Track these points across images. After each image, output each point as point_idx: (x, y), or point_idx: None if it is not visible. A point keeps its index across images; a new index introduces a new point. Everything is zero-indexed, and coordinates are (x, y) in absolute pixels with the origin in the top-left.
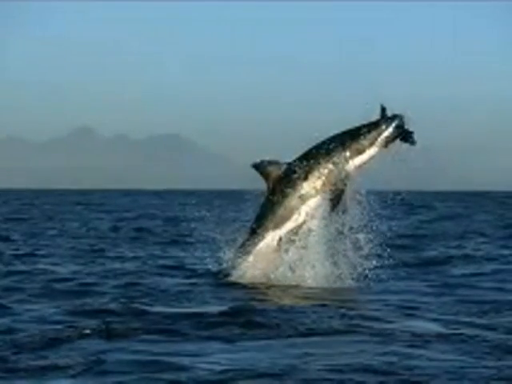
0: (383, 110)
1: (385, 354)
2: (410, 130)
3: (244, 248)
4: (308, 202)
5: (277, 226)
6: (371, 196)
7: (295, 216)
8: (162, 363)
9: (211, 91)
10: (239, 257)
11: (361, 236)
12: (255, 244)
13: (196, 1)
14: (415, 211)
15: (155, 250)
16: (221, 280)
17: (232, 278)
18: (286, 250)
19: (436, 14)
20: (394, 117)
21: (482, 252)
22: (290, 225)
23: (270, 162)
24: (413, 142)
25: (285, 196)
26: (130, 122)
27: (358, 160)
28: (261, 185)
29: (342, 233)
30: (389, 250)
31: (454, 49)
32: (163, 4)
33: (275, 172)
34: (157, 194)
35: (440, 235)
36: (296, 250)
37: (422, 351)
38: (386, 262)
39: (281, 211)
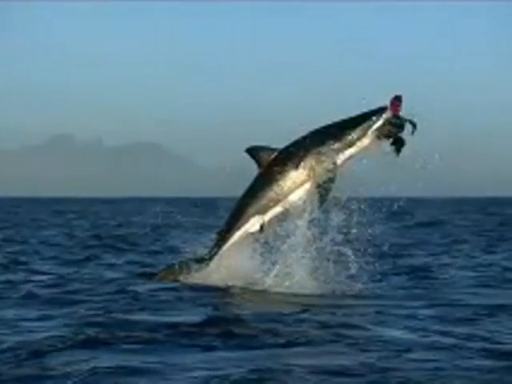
0: (397, 98)
1: (365, 361)
2: (404, 139)
3: (225, 231)
4: (295, 190)
5: (261, 211)
6: (353, 202)
7: (281, 203)
8: (144, 372)
9: (190, 99)
10: (219, 240)
11: (348, 251)
12: (238, 227)
13: (180, 1)
14: (393, 218)
15: (137, 257)
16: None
17: (212, 265)
18: (269, 271)
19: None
20: (385, 109)
21: (462, 259)
22: (274, 211)
23: (263, 148)
24: (397, 152)
25: (273, 182)
26: (108, 128)
27: (348, 152)
28: (237, 191)
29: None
30: (369, 258)
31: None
32: (143, 4)
33: (266, 157)
34: (136, 201)
35: (419, 242)
36: (279, 268)
37: (402, 358)
38: (366, 269)
39: (267, 197)
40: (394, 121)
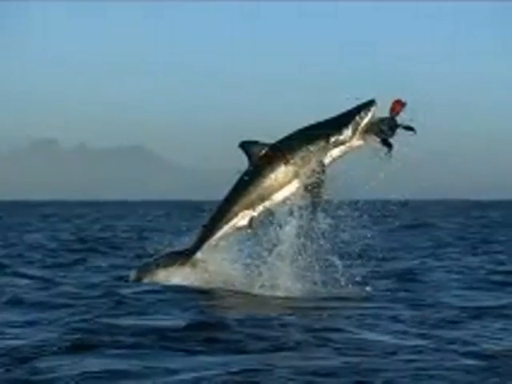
0: (399, 102)
1: (350, 363)
2: (392, 143)
3: (212, 224)
4: (284, 187)
5: (250, 206)
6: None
7: (270, 199)
8: (131, 377)
9: (174, 103)
10: (205, 233)
11: (335, 259)
12: (225, 221)
13: (164, 1)
14: (378, 220)
15: (121, 261)
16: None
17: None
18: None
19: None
20: (372, 102)
21: (447, 262)
22: (262, 206)
23: (254, 143)
24: (389, 154)
25: (262, 178)
26: (92, 132)
27: (336, 151)
28: (218, 195)
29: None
30: (355, 260)
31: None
32: (126, 5)
33: (257, 153)
34: (120, 204)
35: (404, 245)
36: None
37: (386, 360)
38: (351, 272)
39: (256, 192)
40: (387, 122)
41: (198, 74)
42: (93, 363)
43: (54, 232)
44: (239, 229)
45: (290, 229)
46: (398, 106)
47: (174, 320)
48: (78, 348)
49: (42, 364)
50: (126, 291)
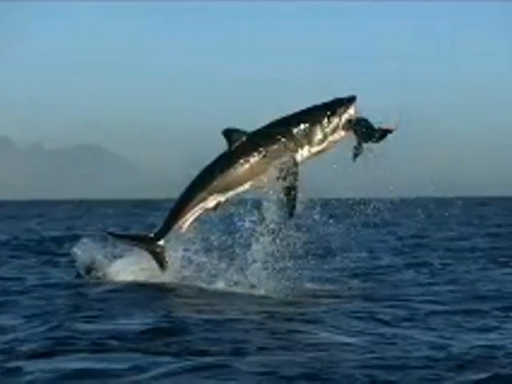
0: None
1: (309, 362)
2: (362, 147)
3: (179, 207)
4: (255, 177)
5: (220, 191)
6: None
7: (239, 187)
8: (90, 379)
9: (130, 101)
10: (172, 216)
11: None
12: (194, 205)
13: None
14: (340, 218)
15: None
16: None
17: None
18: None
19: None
20: (353, 99)
21: (410, 260)
22: (232, 193)
23: (235, 130)
24: (354, 156)
25: (234, 166)
26: (46, 131)
27: (307, 149)
28: (175, 194)
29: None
30: (317, 259)
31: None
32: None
33: (236, 140)
34: (77, 203)
35: (366, 242)
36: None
37: (347, 358)
38: (313, 270)
39: (228, 178)
40: (371, 126)
41: (161, 75)
42: (57, 367)
43: (14, 232)
44: (205, 211)
45: (258, 247)
46: (390, 129)
47: (137, 322)
48: (41, 352)
49: (4, 369)
50: (89, 292)
